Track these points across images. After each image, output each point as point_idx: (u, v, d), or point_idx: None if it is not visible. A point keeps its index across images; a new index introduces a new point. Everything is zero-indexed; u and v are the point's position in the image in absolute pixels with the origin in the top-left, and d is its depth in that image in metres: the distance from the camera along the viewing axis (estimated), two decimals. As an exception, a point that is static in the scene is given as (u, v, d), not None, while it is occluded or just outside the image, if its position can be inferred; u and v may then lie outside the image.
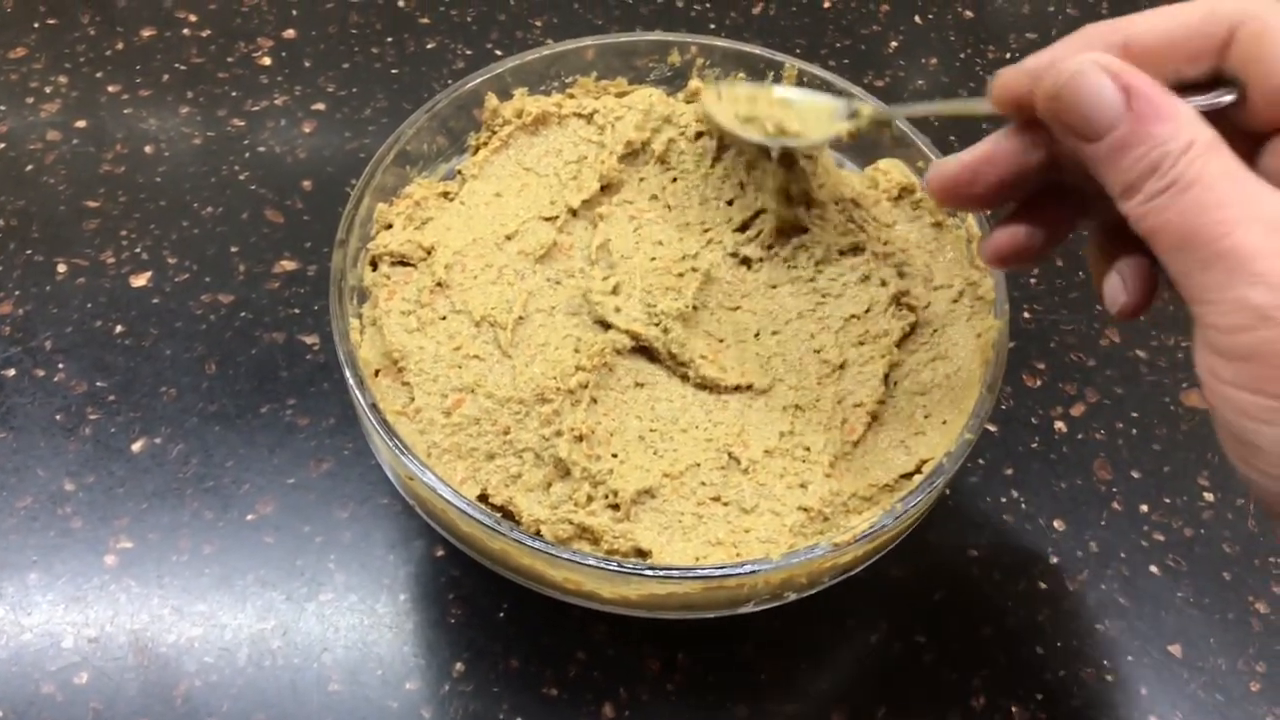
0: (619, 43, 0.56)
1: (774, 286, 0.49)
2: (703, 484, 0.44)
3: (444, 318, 0.48)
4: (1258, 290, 0.29)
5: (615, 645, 0.49)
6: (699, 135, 0.53)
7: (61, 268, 0.60)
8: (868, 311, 0.48)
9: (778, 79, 0.55)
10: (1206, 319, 0.30)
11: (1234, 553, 0.54)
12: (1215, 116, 0.32)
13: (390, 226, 0.50)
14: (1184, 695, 0.50)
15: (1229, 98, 0.34)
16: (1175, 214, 0.30)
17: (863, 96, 0.51)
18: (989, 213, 0.50)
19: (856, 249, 0.50)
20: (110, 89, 0.69)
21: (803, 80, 0.54)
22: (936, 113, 0.49)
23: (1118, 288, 0.36)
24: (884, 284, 0.48)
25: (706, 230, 0.50)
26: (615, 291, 0.48)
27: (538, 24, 0.75)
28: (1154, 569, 0.53)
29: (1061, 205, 0.39)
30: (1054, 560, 0.53)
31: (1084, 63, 0.32)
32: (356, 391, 0.43)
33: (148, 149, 0.66)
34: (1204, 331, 0.30)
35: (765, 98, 0.49)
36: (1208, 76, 0.34)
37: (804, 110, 0.48)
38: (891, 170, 0.53)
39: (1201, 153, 0.30)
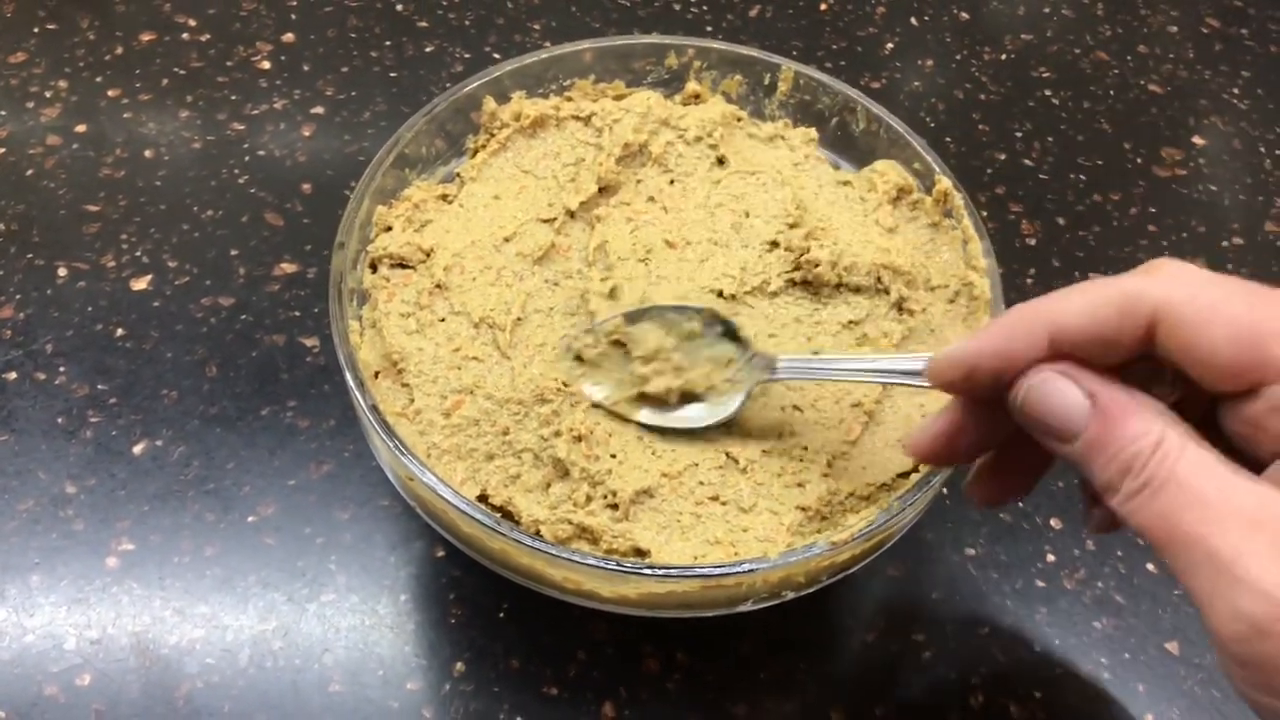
0: (616, 46, 0.56)
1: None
2: (701, 483, 0.44)
3: (443, 319, 0.48)
4: (1246, 599, 0.28)
5: (615, 644, 0.49)
6: (698, 138, 0.53)
7: (62, 271, 0.61)
8: (867, 316, 0.48)
9: (774, 83, 0.55)
10: (1208, 624, 0.30)
11: (1230, 550, 0.54)
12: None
13: (389, 229, 0.50)
14: (1181, 692, 0.50)
15: (1170, 399, 0.34)
16: (1155, 515, 0.30)
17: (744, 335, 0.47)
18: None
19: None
20: (110, 93, 0.69)
21: (799, 83, 0.55)
22: (852, 378, 0.44)
23: (1099, 519, 0.38)
24: (886, 292, 0.49)
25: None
26: (613, 294, 0.48)
27: (535, 27, 0.75)
28: (1150, 566, 0.54)
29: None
30: (1051, 558, 0.54)
31: (1045, 372, 0.33)
32: (357, 393, 0.44)
33: (148, 153, 0.66)
34: (1213, 633, 0.30)
35: (639, 349, 0.46)
36: (1135, 360, 0.34)
37: (694, 354, 0.46)
38: (889, 171, 0.53)
39: (1172, 449, 0.31)
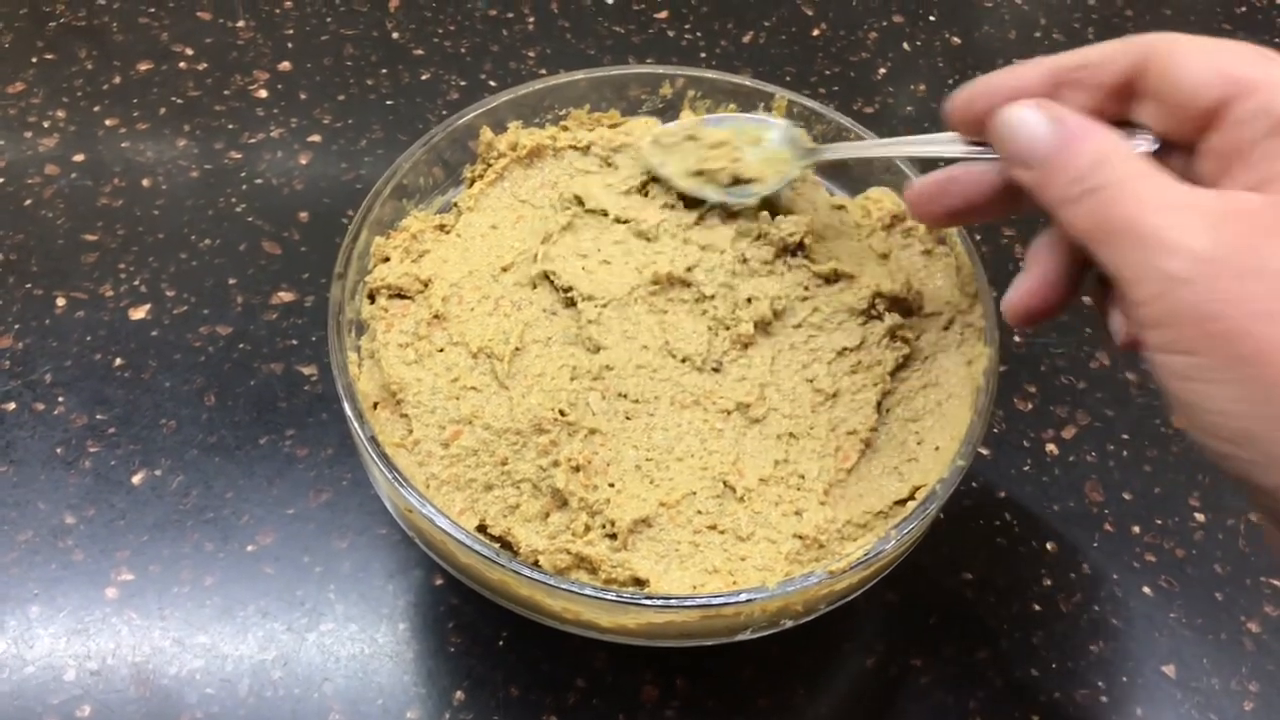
0: (611, 76, 0.56)
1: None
2: (699, 512, 0.44)
3: (441, 349, 0.48)
4: (1167, 258, 0.31)
5: (614, 672, 0.50)
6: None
7: (60, 301, 0.61)
8: (861, 344, 0.49)
9: (767, 110, 0.56)
10: (1131, 295, 0.32)
11: (1225, 573, 0.55)
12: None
13: (387, 260, 0.51)
14: (1178, 715, 0.50)
15: (1149, 145, 0.37)
16: (1097, 210, 0.33)
17: (791, 124, 0.53)
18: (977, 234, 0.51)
19: (840, 276, 0.50)
20: (108, 122, 0.70)
21: (792, 111, 0.55)
22: (887, 153, 0.52)
23: (1120, 323, 0.39)
24: (880, 318, 0.49)
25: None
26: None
27: (531, 54, 0.76)
28: (1147, 590, 0.54)
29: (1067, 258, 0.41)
30: (1047, 582, 0.54)
31: (1017, 102, 0.36)
32: (355, 424, 0.44)
33: (145, 182, 0.67)
34: (1133, 309, 0.32)
35: (708, 140, 0.52)
36: (1122, 114, 0.37)
37: (755, 153, 0.51)
38: (883, 199, 0.54)
39: (1120, 159, 0.33)
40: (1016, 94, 0.37)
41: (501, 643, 0.50)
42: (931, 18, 0.81)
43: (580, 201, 0.52)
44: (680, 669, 0.50)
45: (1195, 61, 0.34)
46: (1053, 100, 0.36)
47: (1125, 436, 0.59)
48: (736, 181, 0.51)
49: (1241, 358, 0.30)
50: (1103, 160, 0.33)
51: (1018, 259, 0.67)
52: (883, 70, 0.77)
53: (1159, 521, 0.56)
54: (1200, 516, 0.56)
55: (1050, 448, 0.59)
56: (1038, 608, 0.53)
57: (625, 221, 0.51)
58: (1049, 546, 0.55)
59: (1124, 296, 0.33)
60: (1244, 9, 0.84)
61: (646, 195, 0.53)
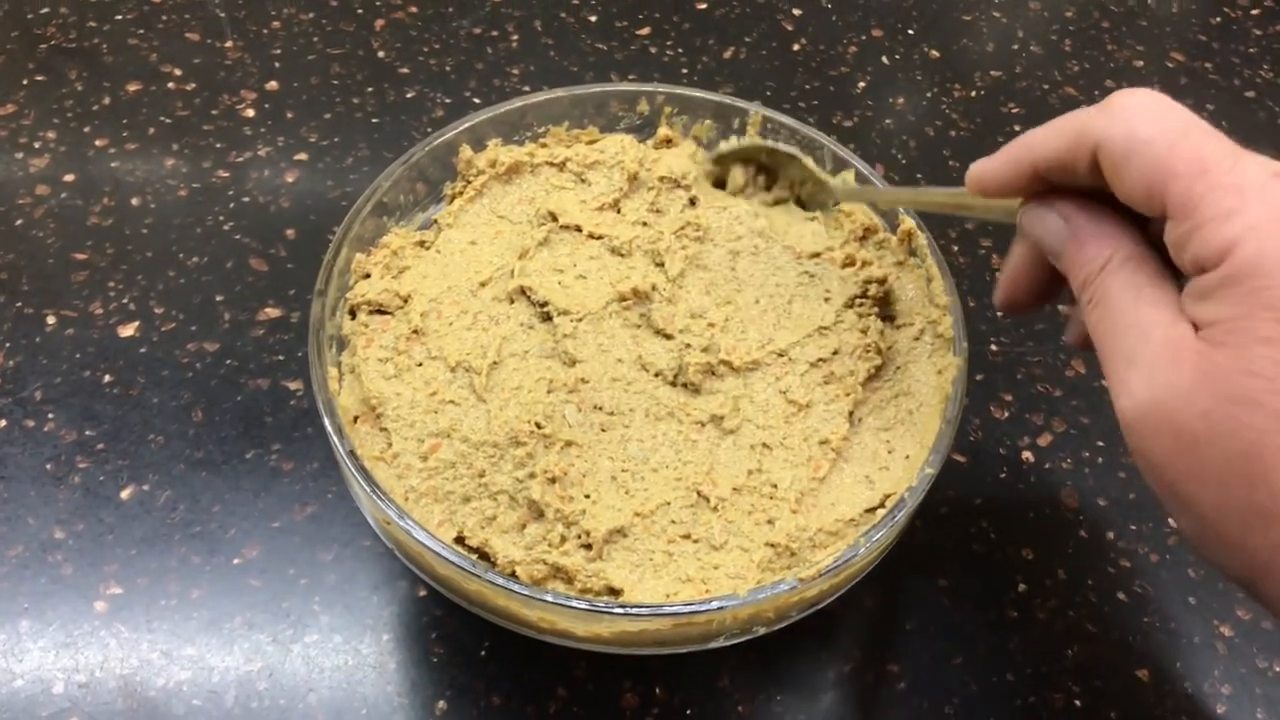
0: (591, 93, 0.57)
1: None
2: (673, 522, 0.45)
3: (420, 364, 0.49)
4: (1124, 400, 0.34)
5: (595, 681, 0.50)
6: (675, 186, 0.55)
7: (51, 319, 0.62)
8: (835, 354, 0.49)
9: (743, 126, 0.57)
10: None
11: (1199, 578, 0.55)
12: None
13: (368, 276, 0.52)
14: (1152, 718, 0.51)
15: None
16: (1093, 324, 0.36)
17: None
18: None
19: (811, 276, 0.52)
20: (98, 143, 0.71)
21: (767, 126, 0.56)
22: (917, 203, 0.52)
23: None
24: (864, 332, 0.50)
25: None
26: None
27: (514, 72, 0.77)
28: (1121, 595, 0.55)
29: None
30: (1023, 588, 0.55)
31: (1031, 203, 0.40)
32: (335, 439, 0.45)
33: (135, 201, 0.68)
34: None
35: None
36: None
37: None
38: (855, 212, 0.55)
39: (1114, 269, 0.36)
40: (1015, 182, 0.39)
41: (483, 653, 0.51)
42: (910, 31, 0.82)
43: (555, 217, 0.53)
44: (659, 677, 0.51)
45: (1133, 171, 0.34)
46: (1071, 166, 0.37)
47: (1100, 444, 0.60)
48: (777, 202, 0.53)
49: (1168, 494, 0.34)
50: (1100, 267, 0.36)
51: (995, 268, 0.67)
52: (862, 84, 0.78)
53: (1133, 527, 0.57)
54: (1174, 522, 0.57)
55: (1026, 455, 0.59)
56: (1014, 613, 0.54)
57: (599, 237, 0.52)
58: (1025, 553, 0.56)
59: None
60: (1219, 20, 0.85)
61: (619, 212, 0.54)
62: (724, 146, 0.52)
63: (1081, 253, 0.37)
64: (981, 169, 0.41)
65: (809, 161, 0.51)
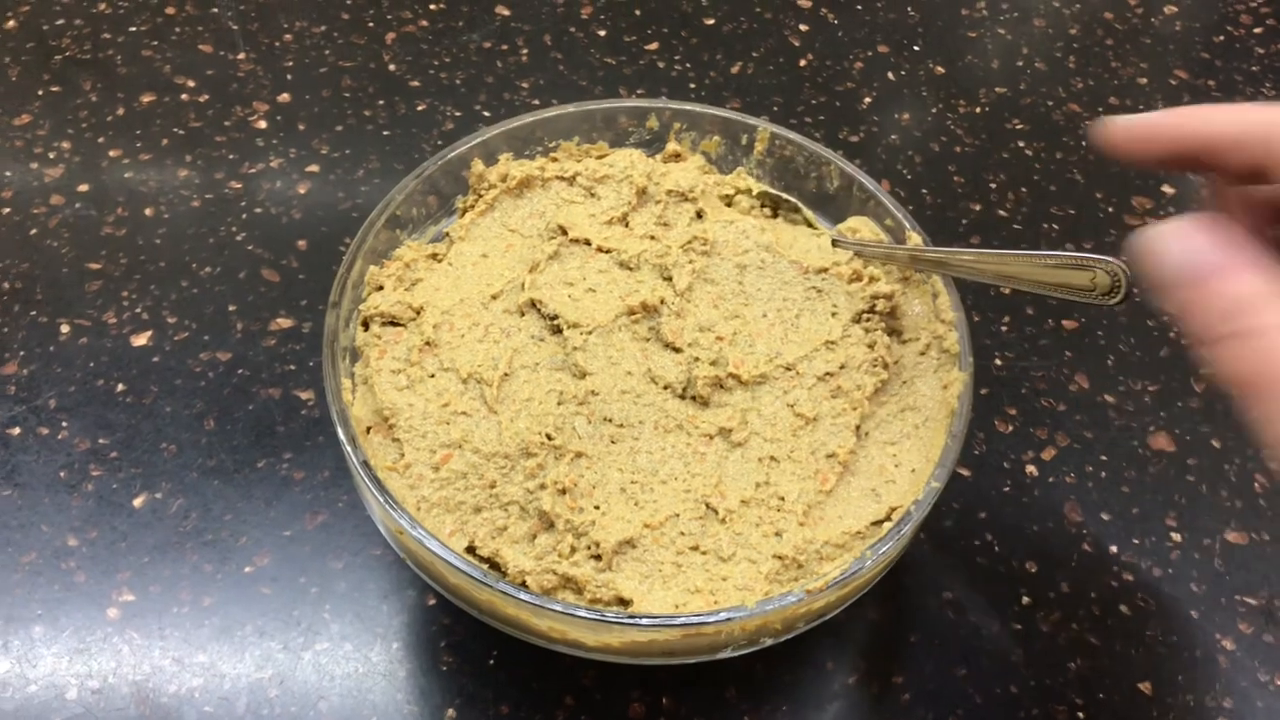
0: (601, 109, 0.58)
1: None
2: (682, 534, 0.46)
3: (432, 375, 0.50)
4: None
5: (602, 690, 0.51)
6: (682, 199, 0.55)
7: (65, 328, 0.62)
8: (842, 368, 0.50)
9: (750, 142, 0.57)
10: (1269, 450, 0.32)
11: (1201, 591, 0.56)
12: None
13: (381, 288, 0.52)
14: (1153, 731, 0.51)
15: None
16: (1244, 358, 0.32)
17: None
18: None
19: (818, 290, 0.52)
20: (112, 153, 0.72)
21: (774, 143, 0.57)
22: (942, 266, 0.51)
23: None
24: (871, 346, 0.51)
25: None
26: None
27: (524, 85, 0.78)
28: (1124, 608, 0.55)
29: None
30: (1026, 601, 0.55)
31: (1161, 228, 0.35)
32: (349, 449, 0.45)
33: (148, 211, 0.68)
34: (1270, 455, 0.32)
35: None
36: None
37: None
38: (861, 227, 0.55)
39: (1264, 303, 0.32)
40: (1175, 143, 0.36)
41: (492, 661, 0.51)
42: (916, 47, 0.83)
43: (564, 231, 0.54)
44: (666, 687, 0.51)
45: None
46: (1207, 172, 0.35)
47: (1104, 458, 0.60)
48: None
49: None
50: (1246, 301, 0.32)
51: (998, 285, 0.68)
52: (868, 99, 0.79)
53: (1136, 541, 0.57)
54: (1176, 536, 0.58)
55: (1030, 469, 0.60)
56: (1017, 626, 0.54)
57: (608, 251, 0.53)
58: (1028, 566, 0.56)
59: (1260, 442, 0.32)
60: (1222, 38, 0.86)
61: (628, 225, 0.54)
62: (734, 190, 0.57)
63: (1219, 286, 0.33)
64: (1131, 120, 0.37)
65: (809, 214, 0.56)
